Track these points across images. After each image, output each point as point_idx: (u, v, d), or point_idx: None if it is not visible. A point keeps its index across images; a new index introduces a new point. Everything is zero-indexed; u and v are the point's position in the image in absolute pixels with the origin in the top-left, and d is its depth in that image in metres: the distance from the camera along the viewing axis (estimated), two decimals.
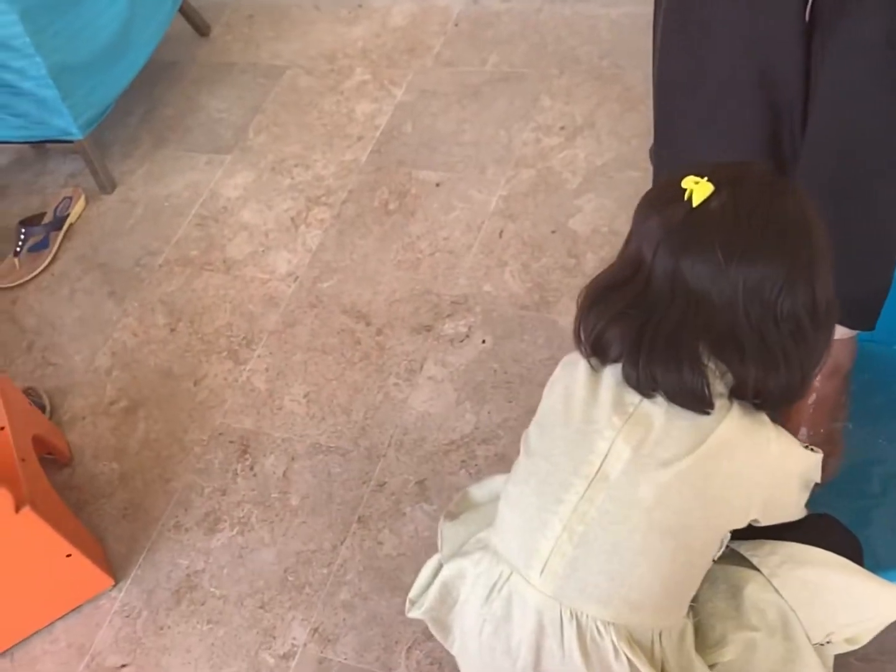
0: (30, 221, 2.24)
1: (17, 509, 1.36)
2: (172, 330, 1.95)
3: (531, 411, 1.63)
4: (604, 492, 0.85)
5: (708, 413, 0.85)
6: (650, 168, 1.89)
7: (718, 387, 0.86)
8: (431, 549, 1.49)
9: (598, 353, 0.90)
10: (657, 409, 0.86)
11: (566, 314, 1.75)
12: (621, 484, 0.85)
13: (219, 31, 2.68)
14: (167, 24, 2.46)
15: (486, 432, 1.62)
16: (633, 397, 0.88)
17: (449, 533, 1.03)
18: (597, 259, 1.82)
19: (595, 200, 1.92)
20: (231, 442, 1.74)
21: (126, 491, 1.71)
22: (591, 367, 0.91)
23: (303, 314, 1.90)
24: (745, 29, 1.14)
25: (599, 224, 1.88)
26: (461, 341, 1.76)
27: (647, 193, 0.91)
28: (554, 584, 0.85)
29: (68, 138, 2.21)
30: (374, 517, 1.56)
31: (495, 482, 1.07)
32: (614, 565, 0.84)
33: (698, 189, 0.85)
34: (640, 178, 1.94)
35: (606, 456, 0.86)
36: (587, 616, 0.85)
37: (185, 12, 2.59)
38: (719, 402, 0.85)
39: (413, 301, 1.85)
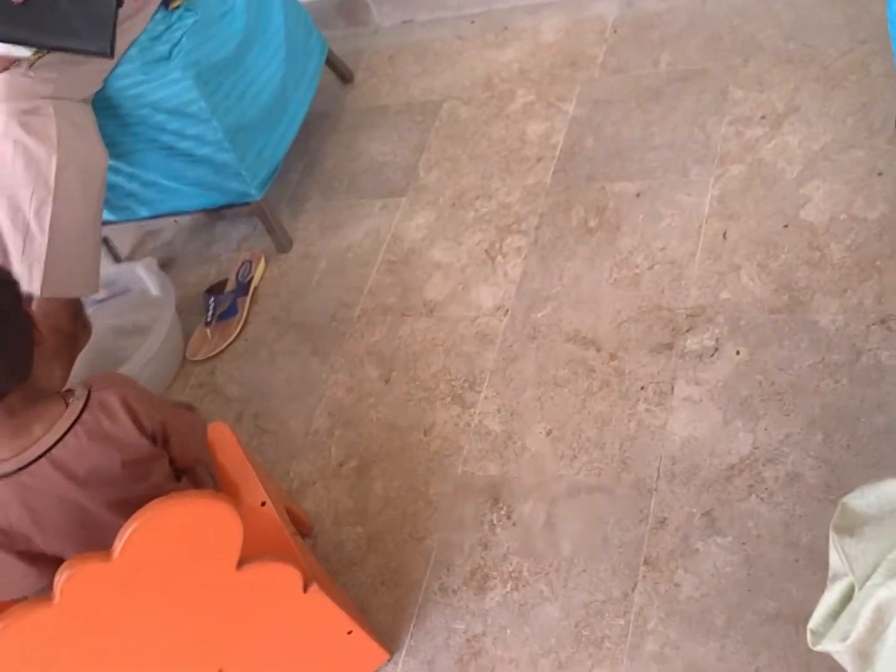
0: (215, 289, 2.20)
1: (306, 588, 1.28)
2: (387, 381, 1.87)
3: (814, 422, 1.49)
4: None
5: None
6: (879, 145, 1.75)
7: None
8: (739, 585, 1.36)
9: None
10: None
11: (825, 312, 1.60)
12: None
13: (363, 76, 2.64)
14: (318, 75, 2.43)
15: (769, 451, 1.48)
16: None
17: (854, 552, 0.89)
18: (843, 248, 1.67)
19: (823, 187, 1.77)
20: (479, 491, 1.63)
21: (377, 555, 1.62)
22: None
23: (523, 348, 1.80)
24: None
25: (836, 211, 1.72)
26: (711, 356, 1.63)
27: None
28: None
29: (246, 201, 2.18)
30: (663, 557, 1.43)
31: (882, 488, 0.93)
32: None
33: None
34: (867, 157, 1.78)
35: None
36: None
37: (330, 61, 2.55)
38: None
39: (643, 319, 1.73)
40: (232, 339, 2.12)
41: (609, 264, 1.85)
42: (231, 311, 2.16)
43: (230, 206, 2.21)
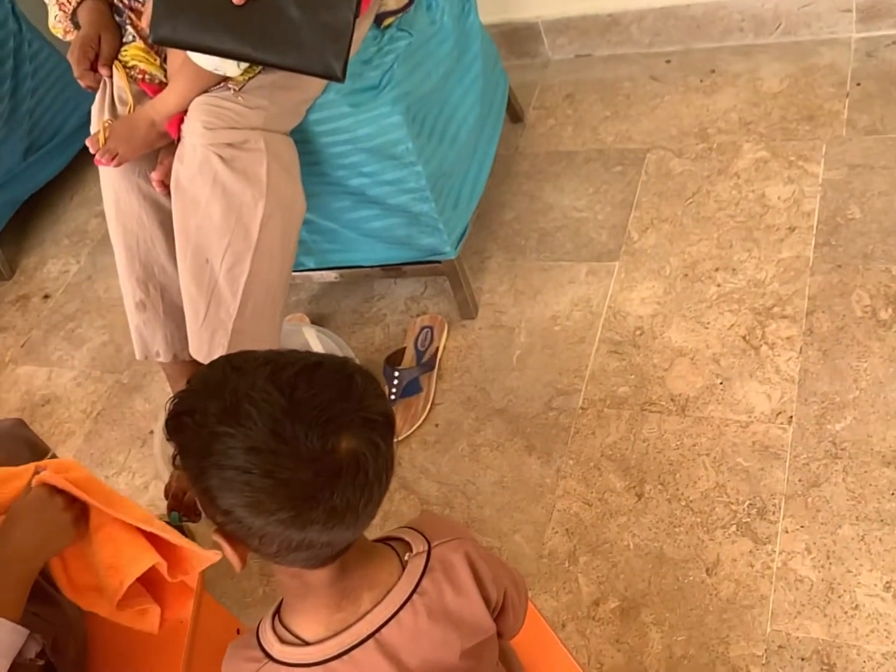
0: (394, 360, 1.85)
1: None
2: (639, 496, 1.53)
3: None
4: None
5: None
6: None
7: None
8: None
9: None
10: None
11: None
12: None
13: (536, 116, 2.32)
14: (504, 111, 2.11)
15: None
16: None
17: None
18: None
19: None
20: (802, 659, 1.29)
21: None
22: None
23: (824, 468, 1.46)
24: None
25: None
26: None
27: None
28: None
29: (437, 259, 1.84)
30: None
31: None
32: None
33: None
34: None
35: None
36: None
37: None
38: None
39: None
40: (419, 423, 1.76)
41: None
42: (413, 388, 1.81)
43: (414, 262, 1.88)
